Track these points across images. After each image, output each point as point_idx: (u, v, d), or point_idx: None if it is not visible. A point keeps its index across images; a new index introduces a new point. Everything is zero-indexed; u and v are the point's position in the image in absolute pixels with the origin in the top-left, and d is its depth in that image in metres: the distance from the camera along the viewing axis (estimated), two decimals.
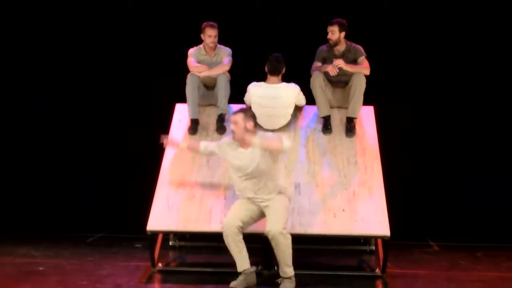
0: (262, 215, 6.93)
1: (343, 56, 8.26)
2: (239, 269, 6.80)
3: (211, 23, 8.42)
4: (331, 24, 8.26)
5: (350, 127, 8.20)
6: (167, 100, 8.93)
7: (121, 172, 10.64)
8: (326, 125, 8.28)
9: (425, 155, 10.47)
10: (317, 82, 8.21)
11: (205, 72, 8.31)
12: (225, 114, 8.34)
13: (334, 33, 8.25)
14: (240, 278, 6.78)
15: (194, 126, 8.33)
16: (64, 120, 10.93)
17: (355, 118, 8.23)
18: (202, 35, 8.44)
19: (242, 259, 6.81)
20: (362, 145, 8.10)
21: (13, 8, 10.82)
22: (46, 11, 10.83)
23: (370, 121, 8.38)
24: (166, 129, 8.37)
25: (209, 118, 8.49)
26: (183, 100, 8.44)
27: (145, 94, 10.63)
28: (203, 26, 8.43)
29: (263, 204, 6.86)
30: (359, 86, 8.13)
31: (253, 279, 6.82)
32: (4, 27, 10.86)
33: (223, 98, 8.31)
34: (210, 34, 8.38)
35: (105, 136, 10.76)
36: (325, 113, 8.28)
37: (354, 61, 8.25)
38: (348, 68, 8.12)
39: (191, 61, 8.39)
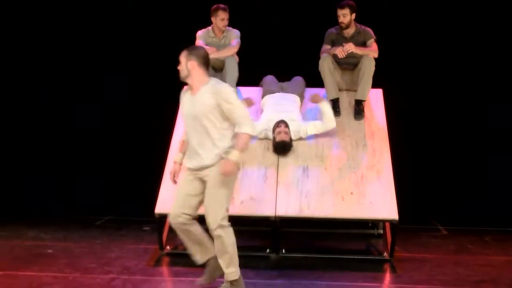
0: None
1: (352, 38, 8.22)
2: (198, 261, 6.28)
3: (223, 6, 8.37)
4: (342, 7, 8.18)
5: (358, 109, 8.17)
6: (176, 83, 8.91)
7: (130, 156, 10.66)
8: (335, 108, 8.24)
9: (434, 139, 10.44)
10: (326, 64, 8.18)
11: (213, 54, 8.28)
12: None
13: (346, 16, 8.18)
14: (205, 272, 6.24)
15: None
16: (70, 98, 10.97)
17: (364, 100, 8.20)
18: (212, 18, 8.39)
19: (197, 252, 6.25)
20: (370, 128, 8.08)
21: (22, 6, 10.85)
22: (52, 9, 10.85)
23: (379, 104, 8.36)
24: (174, 112, 8.37)
25: None
26: None
27: (153, 77, 10.62)
28: (214, 8, 8.37)
29: (205, 178, 6.02)
30: (368, 68, 8.10)
31: (216, 270, 6.19)
32: (10, 25, 10.88)
33: (231, 80, 8.27)
34: (223, 17, 8.33)
35: (114, 118, 10.76)
36: (333, 95, 8.25)
37: (363, 44, 8.22)
38: (357, 50, 8.09)
39: (199, 44, 8.36)
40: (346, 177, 7.55)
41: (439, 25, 10.36)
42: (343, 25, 8.22)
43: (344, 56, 8.05)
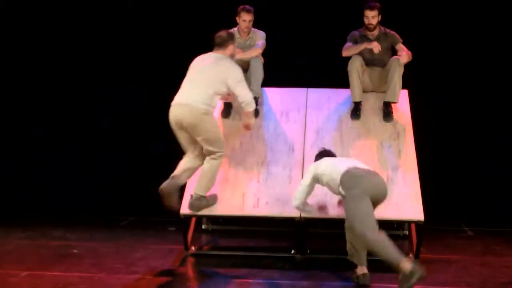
0: None
1: (377, 40, 8.18)
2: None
3: (247, 7, 8.34)
4: (372, 9, 8.14)
5: (387, 111, 8.11)
6: None
7: (155, 155, 10.68)
8: (356, 111, 8.20)
9: (460, 139, 10.39)
10: (355, 66, 8.09)
11: (238, 55, 8.27)
12: (258, 97, 8.32)
13: (375, 18, 8.14)
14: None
15: (227, 109, 8.32)
16: (94, 100, 11.02)
17: (395, 102, 8.14)
18: (237, 18, 8.39)
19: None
20: (396, 129, 8.05)
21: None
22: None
23: (404, 105, 8.31)
24: None
25: None
26: None
27: (179, 76, 10.63)
28: (238, 9, 8.38)
29: None
30: (398, 70, 8.00)
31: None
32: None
33: (256, 81, 8.27)
34: (244, 19, 8.31)
35: (139, 118, 10.79)
36: (357, 98, 8.19)
37: (389, 47, 8.18)
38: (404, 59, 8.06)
39: None
40: None
41: (464, 24, 10.30)
42: (371, 26, 8.18)
43: (379, 50, 8.01)
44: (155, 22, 10.75)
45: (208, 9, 10.53)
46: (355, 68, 8.10)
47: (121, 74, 10.87)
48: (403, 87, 8.26)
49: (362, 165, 6.65)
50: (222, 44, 7.44)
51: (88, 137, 11.09)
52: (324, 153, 7.14)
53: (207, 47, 7.50)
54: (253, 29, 8.45)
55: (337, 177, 6.49)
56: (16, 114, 11.08)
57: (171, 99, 7.26)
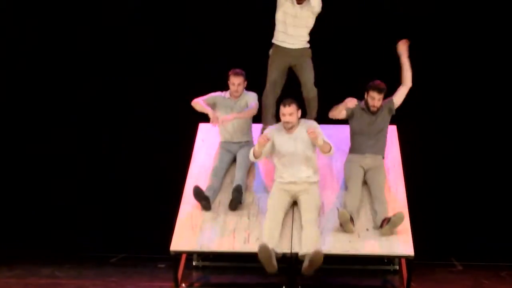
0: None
1: (376, 113, 7.88)
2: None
3: (237, 70, 8.11)
4: (380, 92, 7.70)
5: None
6: (191, 119, 8.92)
7: (145, 191, 10.66)
8: None
9: (449, 174, 10.43)
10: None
11: (231, 116, 7.95)
12: (241, 185, 7.84)
13: (380, 100, 7.78)
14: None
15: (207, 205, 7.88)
16: (88, 136, 11.00)
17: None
18: (228, 82, 8.15)
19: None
20: (386, 165, 8.07)
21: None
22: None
23: (394, 141, 8.36)
24: (189, 148, 8.40)
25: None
26: (206, 119, 8.38)
27: (169, 113, 10.65)
28: (229, 73, 8.13)
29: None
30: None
31: None
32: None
33: (243, 172, 7.98)
34: (233, 82, 8.07)
35: (128, 155, 10.79)
36: None
37: (388, 113, 7.96)
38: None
39: (199, 100, 8.09)
40: (362, 213, 7.55)
41: (451, 58, 10.39)
42: (374, 109, 7.80)
43: (354, 105, 7.86)
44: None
45: None
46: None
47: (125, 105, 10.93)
48: (393, 123, 8.29)
49: None
50: None
51: (78, 175, 11.06)
52: None
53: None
54: (244, 91, 8.23)
55: None
56: None
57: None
